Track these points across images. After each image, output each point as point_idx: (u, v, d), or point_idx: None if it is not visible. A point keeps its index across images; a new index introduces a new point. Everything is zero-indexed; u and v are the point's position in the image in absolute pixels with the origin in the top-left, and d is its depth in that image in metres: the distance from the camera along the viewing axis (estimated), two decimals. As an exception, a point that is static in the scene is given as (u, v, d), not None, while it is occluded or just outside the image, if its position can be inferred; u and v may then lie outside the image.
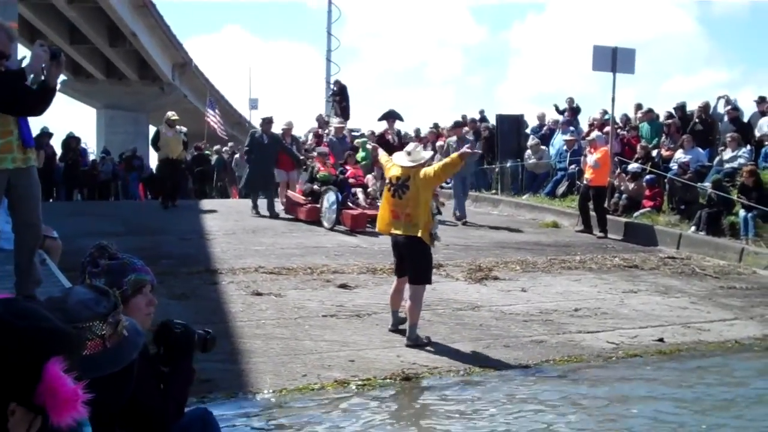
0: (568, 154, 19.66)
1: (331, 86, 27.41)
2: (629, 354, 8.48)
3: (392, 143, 18.24)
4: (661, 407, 6.79)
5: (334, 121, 21.64)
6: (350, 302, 9.84)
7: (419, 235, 8.36)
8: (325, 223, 15.43)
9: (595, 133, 17.48)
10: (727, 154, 16.66)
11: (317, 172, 16.40)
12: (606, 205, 16.54)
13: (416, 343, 8.35)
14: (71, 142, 24.71)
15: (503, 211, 19.13)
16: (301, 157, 17.81)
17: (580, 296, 10.94)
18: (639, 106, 21.45)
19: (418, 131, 24.92)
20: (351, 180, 16.80)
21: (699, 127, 18.31)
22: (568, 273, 12.30)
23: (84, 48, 43.09)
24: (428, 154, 8.91)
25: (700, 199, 16.08)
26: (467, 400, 6.86)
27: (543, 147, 21.02)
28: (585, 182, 16.29)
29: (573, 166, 19.05)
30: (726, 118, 18.15)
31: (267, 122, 17.45)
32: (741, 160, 16.21)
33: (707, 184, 15.94)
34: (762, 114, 18.05)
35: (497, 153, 21.77)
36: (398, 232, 8.50)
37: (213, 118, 30.92)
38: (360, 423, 6.25)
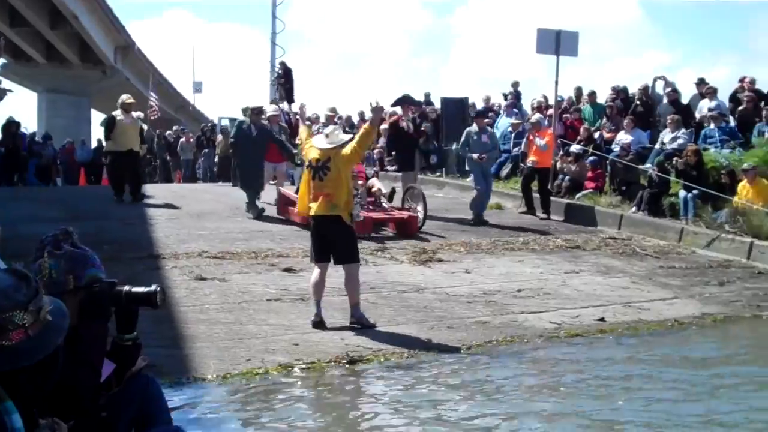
0: (513, 137, 19.79)
1: (276, 69, 27.20)
2: (571, 334, 8.59)
3: (407, 131, 16.36)
4: (604, 384, 6.91)
5: (326, 110, 19.85)
6: (295, 286, 9.83)
7: (340, 214, 8.42)
8: None
9: (536, 116, 17.63)
10: (668, 135, 16.91)
11: None
12: (549, 186, 16.70)
13: (360, 321, 8.42)
14: (11, 126, 24.19)
15: (448, 193, 19.23)
16: (294, 151, 15.47)
17: (523, 277, 11.06)
18: (579, 90, 21.67)
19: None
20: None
21: (640, 109, 18.58)
22: (512, 254, 12.40)
23: (24, 30, 42.47)
24: (347, 136, 8.89)
25: (641, 180, 16.33)
26: (412, 383, 6.90)
27: (489, 129, 21.12)
28: (529, 164, 16.44)
29: (517, 149, 19.17)
30: (665, 100, 18.44)
31: (257, 113, 15.43)
32: (681, 141, 16.45)
33: (648, 165, 16.19)
34: (702, 96, 18.36)
35: (442, 136, 21.87)
36: (319, 213, 8.50)
37: (152, 102, 30.48)
38: (304, 406, 6.28)
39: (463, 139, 16.20)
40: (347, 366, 7.24)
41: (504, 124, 20.80)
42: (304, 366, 7.16)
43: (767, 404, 6.65)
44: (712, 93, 18.11)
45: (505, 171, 19.71)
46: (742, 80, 19.00)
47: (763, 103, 17.82)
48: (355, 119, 24.61)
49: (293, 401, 6.38)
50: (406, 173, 16.41)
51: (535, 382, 7.06)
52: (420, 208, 14.35)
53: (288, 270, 10.67)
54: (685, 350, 8.26)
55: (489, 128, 16.69)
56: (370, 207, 14.16)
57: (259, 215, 14.94)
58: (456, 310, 9.30)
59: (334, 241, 8.53)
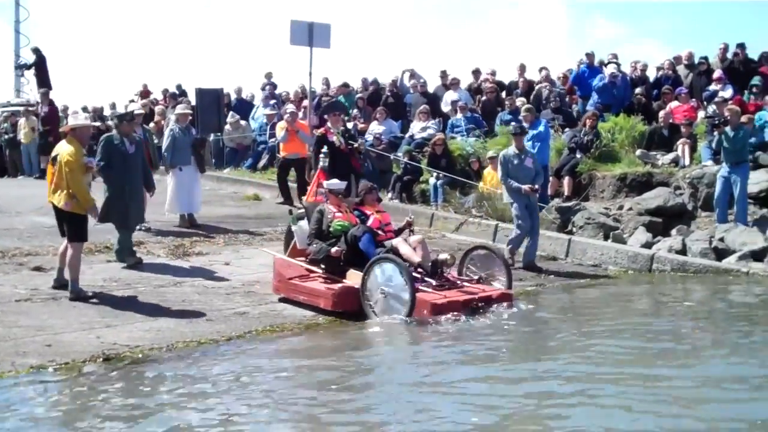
0: (269, 128, 19.89)
1: (21, 59, 26.29)
2: (329, 321, 8.88)
3: (338, 146, 12.58)
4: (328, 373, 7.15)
5: (179, 108, 15.16)
6: (46, 285, 9.48)
7: (58, 204, 9.14)
8: (383, 317, 8.78)
9: (290, 107, 17.83)
10: (418, 125, 17.59)
11: (331, 220, 9.79)
12: (306, 176, 16.92)
13: (79, 296, 8.98)
14: None
15: (205, 185, 19.02)
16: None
17: (282, 267, 11.16)
18: (326, 81, 22.05)
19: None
20: (378, 232, 9.87)
21: (391, 100, 19.24)
22: (270, 244, 12.43)
23: None
24: (83, 122, 9.73)
25: (394, 169, 16.90)
26: (169, 379, 6.83)
27: (243, 122, 21.15)
28: (283, 155, 16.59)
29: (273, 140, 19.29)
30: (412, 91, 19.21)
31: (129, 120, 11.22)
32: (430, 131, 17.18)
33: (400, 154, 16.79)
34: (446, 87, 19.28)
35: (198, 127, 21.65)
36: (50, 198, 9.28)
37: None
38: (59, 407, 6.10)
39: (501, 165, 12.46)
40: (103, 364, 7.09)
41: (260, 115, 20.90)
42: (57, 367, 6.95)
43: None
44: (455, 84, 19.08)
45: (262, 162, 19.85)
46: (476, 72, 20.05)
47: (504, 93, 18.98)
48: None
49: (44, 405, 6.18)
50: None
51: (301, 371, 7.19)
52: (502, 277, 9.84)
53: (38, 269, 10.27)
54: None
55: (528, 150, 12.96)
56: (434, 283, 9.21)
57: (137, 263, 10.88)
58: (215, 302, 9.31)
59: (66, 222, 9.29)
